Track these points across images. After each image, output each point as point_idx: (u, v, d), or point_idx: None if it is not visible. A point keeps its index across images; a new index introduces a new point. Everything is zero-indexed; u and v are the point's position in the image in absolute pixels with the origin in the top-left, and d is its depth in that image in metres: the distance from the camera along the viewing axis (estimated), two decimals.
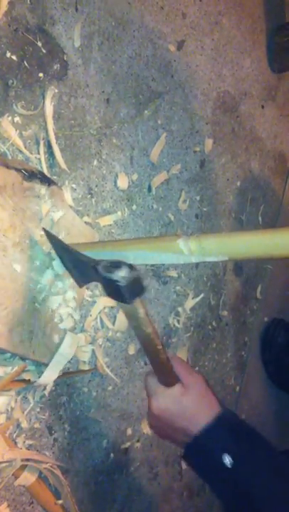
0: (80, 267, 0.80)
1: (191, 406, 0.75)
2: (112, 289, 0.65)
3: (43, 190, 0.85)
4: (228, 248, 0.67)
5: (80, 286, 0.86)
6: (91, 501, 1.02)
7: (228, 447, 0.71)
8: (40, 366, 0.87)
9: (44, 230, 0.83)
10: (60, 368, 0.88)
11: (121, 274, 0.63)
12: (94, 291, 1.00)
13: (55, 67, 0.93)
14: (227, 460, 0.70)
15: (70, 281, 0.87)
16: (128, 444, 1.10)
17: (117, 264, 0.65)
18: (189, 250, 0.69)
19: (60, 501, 0.92)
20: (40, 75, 0.90)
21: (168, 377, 0.77)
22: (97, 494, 1.04)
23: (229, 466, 0.70)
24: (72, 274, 0.85)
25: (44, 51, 0.90)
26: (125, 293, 0.64)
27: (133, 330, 0.73)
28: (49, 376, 0.87)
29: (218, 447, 0.72)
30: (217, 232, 1.32)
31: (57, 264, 0.85)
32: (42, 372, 0.88)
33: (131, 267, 0.64)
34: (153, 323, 0.70)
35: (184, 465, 1.26)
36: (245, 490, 0.71)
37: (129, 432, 1.10)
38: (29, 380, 0.85)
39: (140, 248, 0.75)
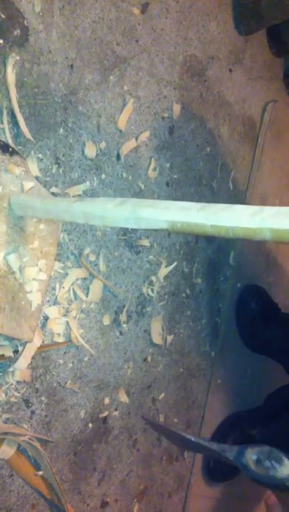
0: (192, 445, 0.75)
1: None
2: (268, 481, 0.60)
3: (5, 160, 0.82)
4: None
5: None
6: (71, 471, 1.03)
7: None
8: (13, 340, 0.86)
9: (144, 418, 0.81)
10: (32, 353, 0.89)
11: (286, 472, 0.55)
12: (65, 262, 0.98)
13: (15, 33, 0.89)
14: None
15: (37, 253, 0.86)
16: (106, 413, 1.11)
17: (274, 455, 0.55)
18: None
19: (40, 472, 0.93)
20: (0, 41, 0.86)
21: None
22: (77, 464, 1.05)
23: None
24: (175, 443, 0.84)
25: (3, 16, 0.87)
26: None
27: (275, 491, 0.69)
28: (23, 362, 0.88)
29: None
30: (189, 201, 1.31)
31: (21, 238, 0.84)
32: (16, 346, 0.88)
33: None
34: None
35: None
36: None
37: (107, 401, 1.11)
38: (3, 355, 0.85)
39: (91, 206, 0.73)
